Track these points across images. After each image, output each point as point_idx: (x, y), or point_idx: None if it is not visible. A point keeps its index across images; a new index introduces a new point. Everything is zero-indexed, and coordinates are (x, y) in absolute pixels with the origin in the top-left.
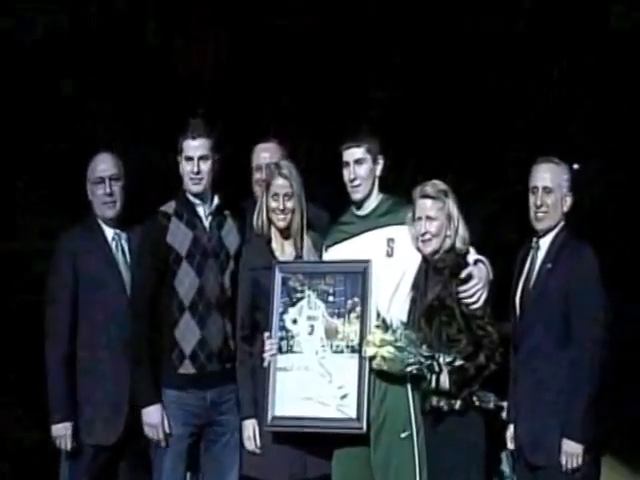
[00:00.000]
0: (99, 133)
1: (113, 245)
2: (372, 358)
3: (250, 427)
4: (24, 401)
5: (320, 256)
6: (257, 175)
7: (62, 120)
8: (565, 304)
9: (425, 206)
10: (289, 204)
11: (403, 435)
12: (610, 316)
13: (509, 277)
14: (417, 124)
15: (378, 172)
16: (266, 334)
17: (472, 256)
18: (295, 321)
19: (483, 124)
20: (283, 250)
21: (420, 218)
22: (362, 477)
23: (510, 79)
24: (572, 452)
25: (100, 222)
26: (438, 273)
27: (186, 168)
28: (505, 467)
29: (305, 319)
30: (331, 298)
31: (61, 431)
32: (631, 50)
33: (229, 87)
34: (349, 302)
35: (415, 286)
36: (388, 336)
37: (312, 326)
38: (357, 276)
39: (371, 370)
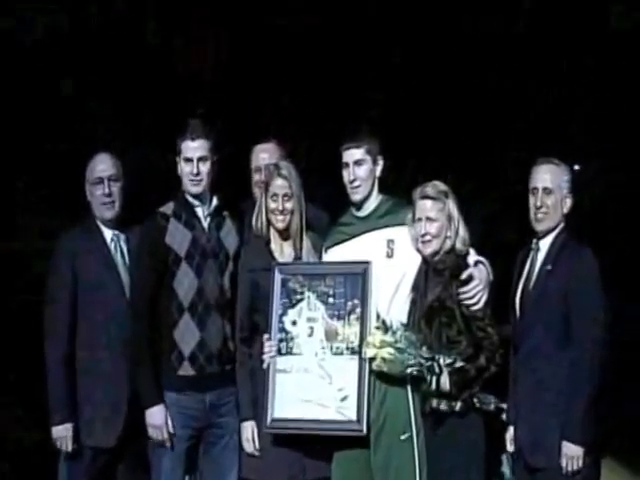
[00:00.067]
0: (99, 133)
1: (112, 246)
2: (372, 359)
3: (249, 429)
4: (24, 401)
5: (319, 257)
6: (256, 176)
7: (62, 120)
8: (565, 304)
9: (425, 207)
10: (288, 205)
11: (403, 437)
12: (610, 316)
13: (509, 278)
14: (417, 124)
15: (378, 173)
16: (265, 336)
17: (472, 257)
18: (295, 323)
19: (483, 124)
20: (282, 251)
21: (420, 219)
22: (362, 479)
23: (510, 79)
24: (572, 454)
25: (99, 223)
26: (438, 274)
27: (185, 169)
28: (505, 469)
29: (305, 321)
30: (331, 300)
31: (62, 432)
32: (631, 50)
33: (229, 87)
34: (349, 304)
35: (415, 287)
36: (388, 337)
37: (312, 328)
38: (357, 277)
39: (371, 372)
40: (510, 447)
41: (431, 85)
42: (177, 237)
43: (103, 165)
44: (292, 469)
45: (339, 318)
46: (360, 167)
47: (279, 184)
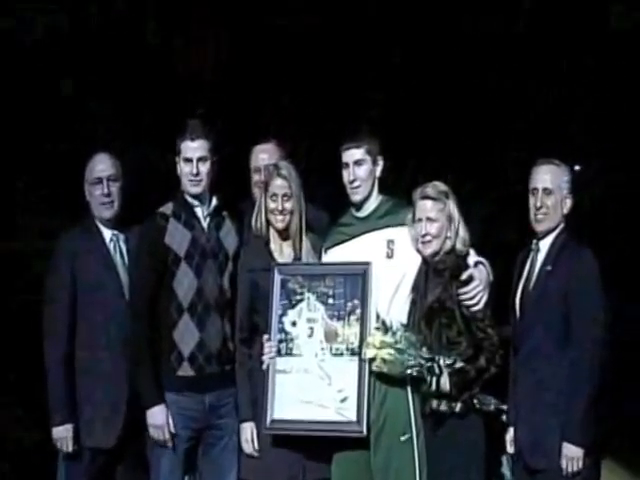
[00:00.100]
0: (99, 133)
1: (111, 246)
2: (372, 360)
3: (248, 430)
4: (24, 401)
5: (319, 258)
6: (256, 177)
7: (62, 120)
8: (565, 304)
9: (425, 207)
10: (288, 205)
11: (403, 438)
12: (610, 316)
13: (509, 278)
14: (417, 124)
15: (378, 173)
16: (265, 336)
17: (472, 258)
18: (294, 323)
19: (483, 124)
20: (282, 251)
21: (420, 219)
22: None
23: (510, 79)
24: (572, 455)
25: (98, 223)
26: (438, 275)
27: (185, 169)
28: (505, 470)
29: (304, 321)
30: (331, 300)
31: (62, 433)
32: (631, 50)
33: (229, 87)
34: (349, 304)
35: (415, 288)
36: (388, 338)
37: (312, 328)
38: (357, 278)
39: (371, 372)
40: (510, 448)
41: (431, 85)
42: (176, 237)
43: (102, 165)
44: (291, 470)
45: (339, 319)
46: (360, 167)
47: (279, 184)
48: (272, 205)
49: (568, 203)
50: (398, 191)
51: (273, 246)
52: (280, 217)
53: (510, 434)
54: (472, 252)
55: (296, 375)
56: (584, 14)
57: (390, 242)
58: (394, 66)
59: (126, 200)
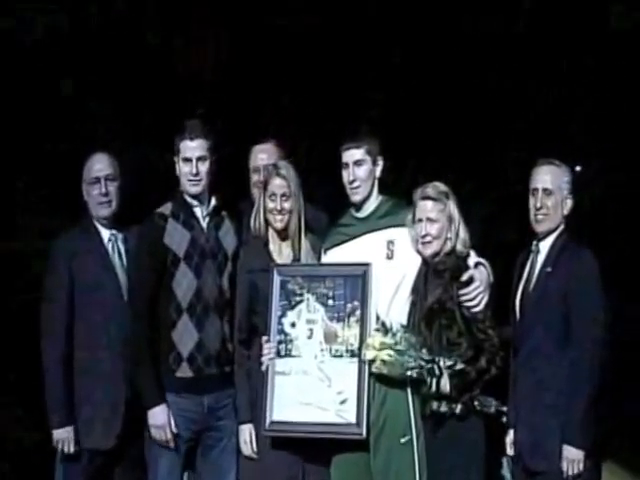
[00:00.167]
0: (99, 133)
1: (109, 247)
2: (372, 362)
3: (246, 432)
4: (24, 401)
5: (318, 258)
6: (255, 177)
7: (62, 120)
8: (565, 305)
9: (426, 208)
10: (286, 205)
11: (403, 440)
12: (610, 316)
13: (509, 279)
14: (417, 124)
15: (378, 173)
16: (264, 338)
17: (473, 259)
18: (294, 324)
19: (483, 124)
20: (281, 252)
21: (421, 220)
22: None
23: (510, 79)
24: (573, 458)
25: (96, 223)
26: (438, 276)
27: (184, 169)
28: (506, 472)
29: (304, 323)
30: (330, 302)
31: (63, 435)
32: (631, 50)
33: (229, 87)
34: (349, 306)
35: (415, 289)
36: (388, 339)
37: (311, 330)
38: (357, 279)
39: (371, 374)
40: (510, 450)
41: (431, 85)
42: (176, 237)
43: (100, 164)
44: (290, 472)
45: (339, 320)
46: (360, 167)
47: (277, 184)
48: (271, 205)
49: (568, 204)
50: (398, 191)
51: (272, 247)
52: (279, 217)
53: (510, 436)
54: (472, 253)
55: (295, 377)
56: (584, 14)
57: (390, 243)
58: (394, 66)
59: (124, 200)
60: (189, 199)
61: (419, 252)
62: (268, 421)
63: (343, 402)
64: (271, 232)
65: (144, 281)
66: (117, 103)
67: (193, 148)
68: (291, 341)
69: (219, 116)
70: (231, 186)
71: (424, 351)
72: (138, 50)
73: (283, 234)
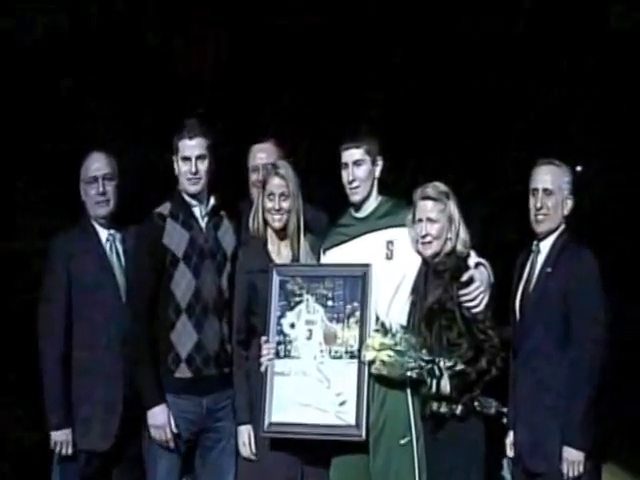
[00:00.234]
0: (99, 133)
1: (107, 247)
2: (371, 362)
3: (245, 433)
4: (24, 401)
5: (318, 259)
6: (253, 176)
7: (62, 120)
8: (565, 305)
9: (426, 208)
10: (285, 204)
11: (403, 441)
12: (610, 316)
13: (509, 279)
14: (417, 124)
15: (377, 173)
16: (263, 338)
17: (473, 259)
18: (293, 325)
19: (483, 124)
20: (279, 252)
21: (421, 220)
22: None
23: (510, 79)
24: (573, 460)
25: (94, 223)
26: (438, 276)
27: (183, 168)
28: (506, 473)
29: (303, 323)
30: (330, 302)
31: (61, 437)
32: (631, 50)
33: (229, 87)
34: (348, 307)
35: (415, 289)
36: (387, 340)
37: (310, 331)
38: (357, 280)
39: (370, 375)
40: (510, 452)
41: (431, 85)
42: (175, 237)
43: (97, 164)
44: (289, 474)
45: (338, 321)
46: (359, 167)
47: (276, 183)
48: (269, 204)
49: (569, 204)
50: (398, 191)
51: (271, 247)
52: (277, 216)
53: (510, 437)
54: (473, 253)
55: (294, 378)
56: (584, 14)
57: (390, 243)
58: (394, 66)
59: (123, 199)
60: (188, 198)
61: (419, 252)
62: (267, 422)
63: (342, 403)
64: (270, 232)
65: (143, 281)
66: (117, 103)
67: (192, 147)
68: (290, 342)
69: (219, 116)
70: (231, 186)
71: (424, 352)
72: (138, 50)
73: (282, 234)
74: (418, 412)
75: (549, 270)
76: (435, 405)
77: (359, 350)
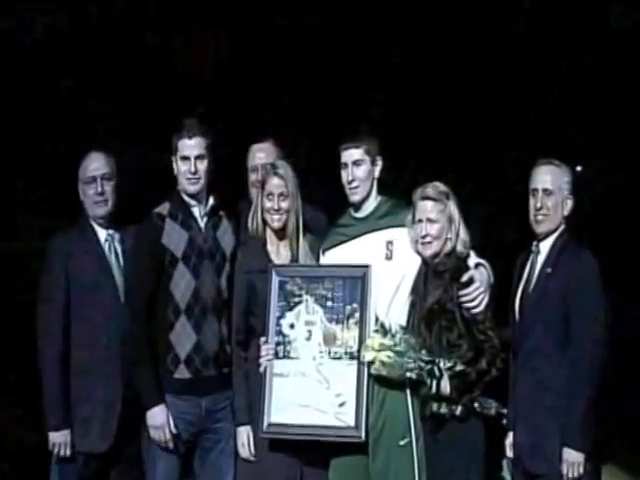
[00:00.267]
0: (99, 133)
1: (106, 247)
2: (371, 363)
3: (244, 434)
4: (24, 401)
5: (317, 259)
6: (252, 176)
7: (62, 120)
8: (565, 305)
9: (426, 208)
10: (284, 204)
11: (402, 442)
12: (611, 316)
13: (509, 279)
14: (417, 124)
15: (377, 174)
16: (262, 339)
17: (473, 259)
18: (292, 326)
19: (483, 124)
20: (278, 252)
21: (421, 220)
22: None
23: (510, 79)
24: (573, 460)
25: (93, 223)
26: (438, 277)
27: (182, 168)
28: (506, 474)
29: (303, 324)
30: (329, 303)
31: (59, 438)
32: (631, 50)
33: (229, 87)
34: (348, 308)
35: (415, 290)
36: (387, 340)
37: (310, 331)
38: (356, 281)
39: (370, 376)
40: (510, 453)
41: (431, 85)
42: (174, 238)
43: (96, 164)
44: (288, 474)
45: (338, 322)
46: (359, 167)
47: (275, 183)
48: (268, 204)
49: (569, 204)
50: (398, 191)
51: (270, 247)
52: (276, 216)
53: (510, 438)
54: (472, 254)
55: (294, 378)
56: (584, 14)
57: (389, 243)
58: (394, 66)
59: (122, 199)
60: (187, 198)
61: (419, 253)
62: (266, 423)
63: (342, 405)
64: (269, 232)
65: (143, 281)
66: (117, 103)
67: (191, 146)
68: (289, 342)
69: (219, 116)
70: (230, 186)
71: (424, 352)
72: (138, 50)
73: (281, 234)
74: (418, 413)
75: (549, 271)
76: (435, 406)
77: (358, 351)
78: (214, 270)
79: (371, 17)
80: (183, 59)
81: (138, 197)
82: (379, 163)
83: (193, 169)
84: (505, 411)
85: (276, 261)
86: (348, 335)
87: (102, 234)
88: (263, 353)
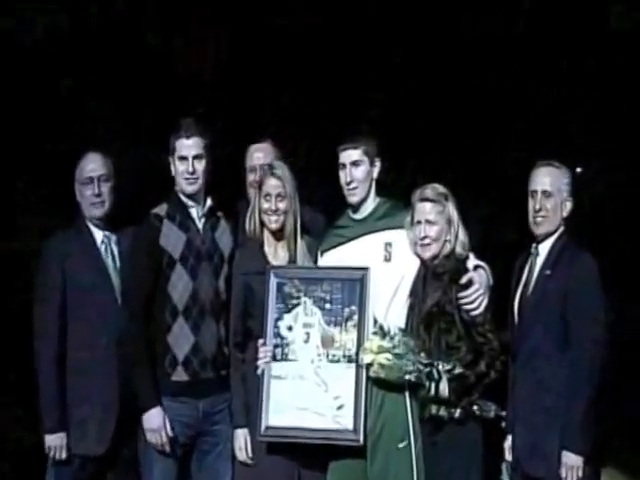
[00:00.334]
0: (99, 133)
1: (102, 248)
2: (369, 365)
3: (241, 437)
4: (24, 401)
5: (315, 261)
6: (251, 177)
7: (62, 120)
8: (564, 305)
9: (425, 210)
10: (281, 205)
11: (401, 445)
12: (610, 316)
13: (509, 280)
14: (417, 124)
15: (375, 174)
16: (260, 341)
17: (472, 261)
18: (290, 328)
19: (483, 124)
20: (276, 254)
21: (419, 222)
22: None
23: (510, 79)
24: (572, 464)
25: (89, 224)
26: (437, 279)
27: (180, 168)
28: (505, 477)
29: (301, 326)
30: (328, 305)
31: (55, 441)
32: (631, 50)
33: (229, 87)
34: (346, 310)
35: (413, 292)
36: (386, 343)
37: (308, 334)
38: (355, 284)
39: (368, 378)
40: (509, 456)
41: (431, 85)
42: (171, 239)
43: (93, 165)
44: (286, 478)
45: (336, 325)
46: (357, 168)
47: (272, 184)
48: (265, 205)
49: (568, 206)
50: (397, 192)
51: (267, 248)
52: (274, 217)
53: (509, 441)
54: (472, 256)
55: (292, 381)
56: (584, 14)
57: (388, 245)
58: (394, 66)
59: (118, 200)
60: (185, 199)
61: (418, 255)
62: (263, 426)
63: (340, 408)
64: (266, 233)
65: (141, 281)
66: (117, 103)
67: (189, 146)
68: (287, 345)
69: (219, 116)
70: (229, 186)
71: (422, 355)
72: (138, 50)
73: (278, 235)
74: (416, 416)
75: (548, 272)
76: (434, 408)
77: (357, 354)
78: (212, 271)
79: (371, 17)
80: (183, 59)
81: (138, 197)
82: (378, 164)
83: (191, 169)
84: (504, 414)
85: (274, 262)
86: (346, 338)
87: (98, 235)
88: (261, 355)
